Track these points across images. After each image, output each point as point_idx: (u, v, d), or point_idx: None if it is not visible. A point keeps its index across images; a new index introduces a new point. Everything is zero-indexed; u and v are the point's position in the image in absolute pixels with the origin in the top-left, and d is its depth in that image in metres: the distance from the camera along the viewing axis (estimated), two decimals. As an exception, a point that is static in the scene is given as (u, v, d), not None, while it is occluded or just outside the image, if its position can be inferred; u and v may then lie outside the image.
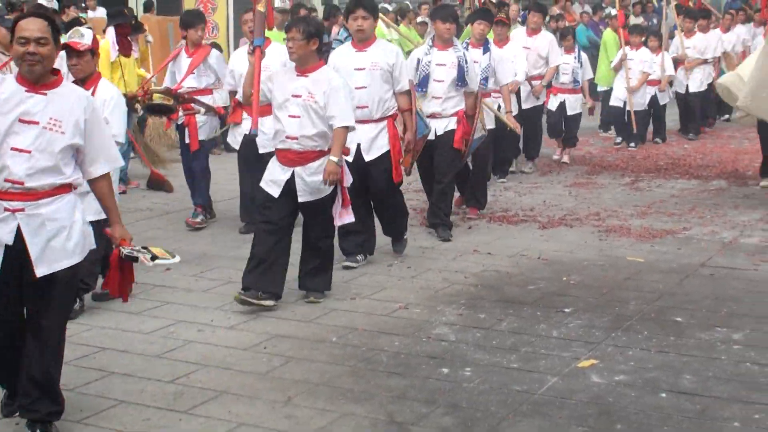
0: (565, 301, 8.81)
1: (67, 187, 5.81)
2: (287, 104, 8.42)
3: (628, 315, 8.43)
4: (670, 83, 18.65)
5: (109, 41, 12.78)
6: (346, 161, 9.19)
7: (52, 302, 5.82)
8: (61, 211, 5.78)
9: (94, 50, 8.34)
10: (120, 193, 12.79)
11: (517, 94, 14.17)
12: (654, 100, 17.94)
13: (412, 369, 7.21)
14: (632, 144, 17.66)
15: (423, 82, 10.83)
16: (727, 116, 21.12)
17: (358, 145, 9.58)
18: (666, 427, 6.25)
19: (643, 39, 18.11)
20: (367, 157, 9.67)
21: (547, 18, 23.55)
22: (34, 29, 5.63)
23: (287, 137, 8.41)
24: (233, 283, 8.83)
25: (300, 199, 8.46)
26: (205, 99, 11.49)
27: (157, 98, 11.29)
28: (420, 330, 8.06)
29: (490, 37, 12.96)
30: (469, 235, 11.19)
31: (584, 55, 16.61)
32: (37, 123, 5.62)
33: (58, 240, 5.76)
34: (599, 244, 10.83)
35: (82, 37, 8.13)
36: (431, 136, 10.73)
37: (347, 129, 8.53)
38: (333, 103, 8.36)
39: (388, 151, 9.70)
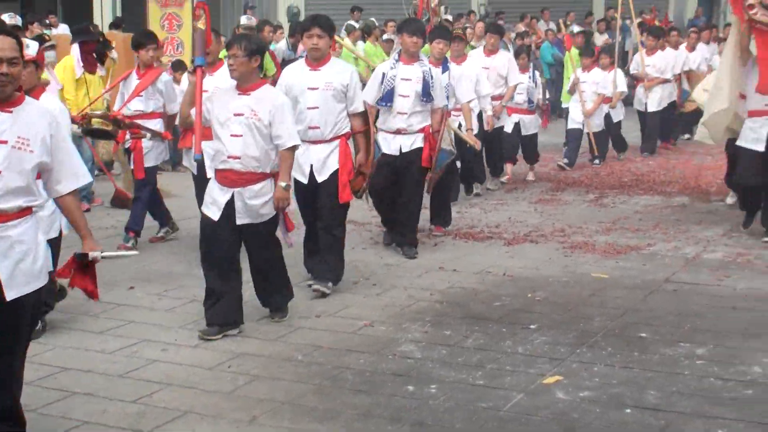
0: (530, 317, 8.81)
1: (30, 209, 5.72)
2: (229, 123, 8.12)
3: (593, 331, 8.43)
4: (624, 100, 18.60)
5: (74, 58, 12.69)
6: (302, 184, 9.34)
7: (18, 326, 5.71)
8: (27, 233, 5.66)
9: (38, 62, 8.24)
10: (84, 211, 12.78)
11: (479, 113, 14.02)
12: (608, 117, 17.93)
13: (377, 387, 7.18)
14: (596, 161, 17.67)
15: (388, 97, 10.63)
16: (687, 135, 21.16)
17: (311, 167, 9.40)
18: (630, 443, 6.27)
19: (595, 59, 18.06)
20: (320, 178, 9.41)
21: (513, 35, 23.75)
22: (5, 48, 5.41)
23: (229, 157, 8.11)
24: (197, 302, 8.75)
25: (238, 222, 8.18)
26: (153, 123, 11.19)
27: (96, 123, 10.75)
28: (385, 347, 8.03)
29: (448, 55, 12.84)
30: (435, 252, 11.18)
31: (538, 74, 16.84)
32: (5, 142, 5.47)
33: (26, 263, 5.64)
34: (564, 260, 10.84)
35: (27, 48, 7.98)
36: (395, 153, 10.66)
37: (294, 149, 8.40)
38: (279, 122, 8.16)
39: (338, 170, 9.41)
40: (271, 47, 18.07)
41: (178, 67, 13.88)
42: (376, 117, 10.73)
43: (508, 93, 14.94)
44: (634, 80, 19.33)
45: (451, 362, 7.69)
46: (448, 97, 11.87)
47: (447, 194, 12.40)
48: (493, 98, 14.46)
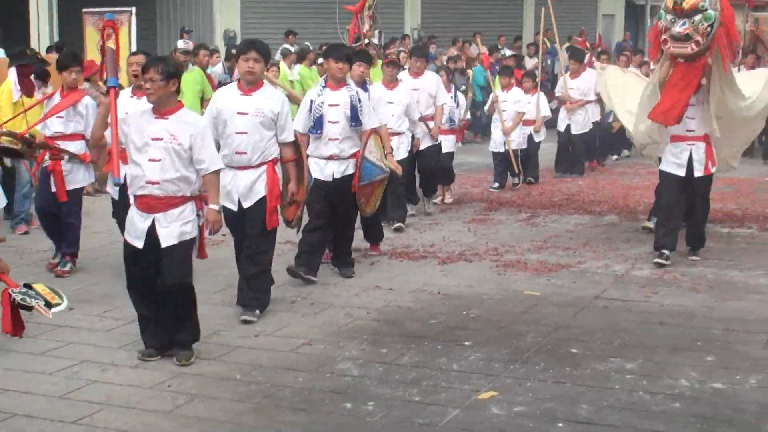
0: (464, 334, 8.85)
1: None
2: (147, 148, 7.81)
3: (526, 347, 8.49)
4: (546, 123, 18.52)
5: (11, 82, 12.55)
6: (231, 211, 9.18)
7: None
8: None
9: None
10: (22, 234, 12.67)
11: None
12: (530, 139, 17.79)
13: (315, 404, 7.19)
14: (496, 184, 17.27)
15: (318, 125, 10.41)
16: (616, 156, 21.31)
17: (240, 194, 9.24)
18: (563, 456, 6.33)
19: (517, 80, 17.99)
20: (246, 204, 9.21)
21: (446, 58, 23.87)
22: None
23: (147, 182, 7.81)
24: (136, 323, 8.69)
25: (163, 245, 7.87)
26: (73, 145, 10.87)
27: (5, 141, 10.07)
28: (323, 365, 8.04)
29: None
30: (371, 272, 11.20)
31: (461, 95, 16.70)
32: None
33: None
34: (497, 278, 10.90)
35: None
36: (329, 179, 10.51)
37: (219, 173, 8.19)
38: (201, 147, 7.94)
39: (265, 197, 9.22)
40: (208, 71, 18.06)
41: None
42: None
43: (438, 113, 14.61)
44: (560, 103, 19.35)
45: (388, 379, 7.71)
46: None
47: (375, 215, 11.95)
48: (426, 118, 14.29)
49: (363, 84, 11.66)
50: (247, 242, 9.37)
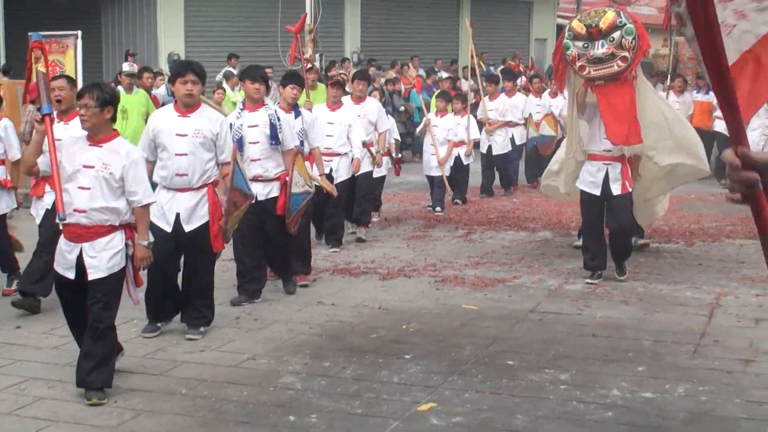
0: (404, 348, 8.87)
1: None
2: (78, 175, 7.43)
3: (464, 360, 8.52)
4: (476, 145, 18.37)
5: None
6: (164, 231, 8.86)
7: None
8: None
9: None
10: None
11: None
12: (458, 160, 17.26)
13: (259, 418, 7.16)
14: (437, 208, 16.73)
15: (239, 146, 10.01)
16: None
17: (177, 215, 8.94)
18: (500, 465, 6.35)
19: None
20: (188, 228, 8.93)
21: (383, 80, 23.90)
22: None
23: (75, 210, 7.41)
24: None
25: (90, 277, 7.43)
26: None
27: None
28: (267, 380, 8.01)
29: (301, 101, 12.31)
30: (314, 288, 11.18)
31: (392, 119, 16.46)
32: None
33: None
34: (436, 293, 10.93)
35: None
36: (255, 200, 10.05)
37: (149, 207, 7.83)
38: (134, 179, 7.57)
39: (208, 221, 8.99)
40: (153, 92, 17.98)
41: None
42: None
43: (381, 139, 14.35)
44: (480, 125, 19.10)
45: (330, 392, 7.70)
46: (303, 142, 11.40)
47: (303, 241, 11.43)
48: (366, 144, 13.94)
49: (295, 107, 11.44)
50: (189, 264, 9.19)
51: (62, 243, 7.62)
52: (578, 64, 10.76)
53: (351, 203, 13.98)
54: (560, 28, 40.48)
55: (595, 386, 7.85)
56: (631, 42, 10.56)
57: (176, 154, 8.92)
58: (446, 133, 16.69)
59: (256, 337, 9.24)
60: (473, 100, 18.92)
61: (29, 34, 8.43)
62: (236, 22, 27.17)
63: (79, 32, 16.89)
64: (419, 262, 12.58)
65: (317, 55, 21.95)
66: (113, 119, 7.65)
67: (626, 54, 10.58)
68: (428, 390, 7.74)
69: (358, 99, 14.27)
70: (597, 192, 11.27)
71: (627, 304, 10.47)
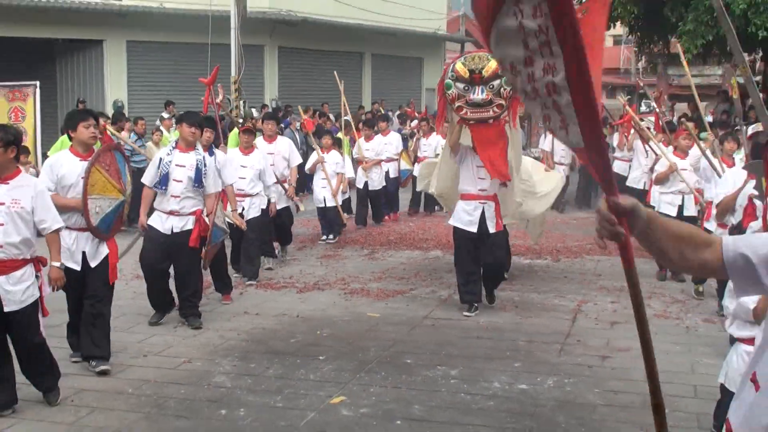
0: (319, 350, 8.87)
1: None
2: None
3: (369, 359, 8.55)
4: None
5: None
6: (74, 271, 7.94)
7: None
8: None
9: None
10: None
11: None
12: (326, 200, 15.62)
13: (195, 412, 7.12)
14: (330, 236, 15.85)
15: (163, 181, 9.52)
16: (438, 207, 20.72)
17: (84, 253, 8.06)
18: (401, 448, 6.39)
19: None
20: (93, 263, 8.09)
21: (298, 124, 23.77)
22: None
23: None
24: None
25: (6, 309, 6.87)
26: None
27: None
28: (202, 379, 7.96)
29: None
30: (241, 300, 11.11)
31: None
32: None
33: None
34: (345, 303, 10.94)
35: None
36: (167, 232, 9.54)
37: (59, 231, 7.28)
38: (42, 207, 7.03)
39: (108, 255, 8.19)
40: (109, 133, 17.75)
41: (24, 150, 13.29)
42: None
43: (292, 174, 13.64)
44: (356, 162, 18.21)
45: (256, 389, 7.68)
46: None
47: (221, 266, 11.05)
48: (281, 180, 13.26)
49: (210, 148, 10.51)
50: (90, 295, 8.16)
51: None
52: (457, 104, 9.89)
53: (266, 240, 12.99)
54: (447, 79, 41.12)
55: (479, 380, 7.94)
56: (509, 92, 9.67)
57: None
58: (335, 167, 15.68)
59: (191, 343, 9.17)
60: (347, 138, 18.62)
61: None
62: (172, 73, 26.98)
63: (38, 83, 16.69)
64: (331, 277, 12.58)
65: (241, 102, 21.85)
66: (17, 158, 7.10)
67: (502, 102, 9.75)
68: (339, 386, 7.77)
69: (270, 138, 13.62)
70: (473, 229, 10.31)
71: (505, 310, 10.60)
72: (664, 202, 12.32)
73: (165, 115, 21.73)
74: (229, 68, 22.55)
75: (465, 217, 10.38)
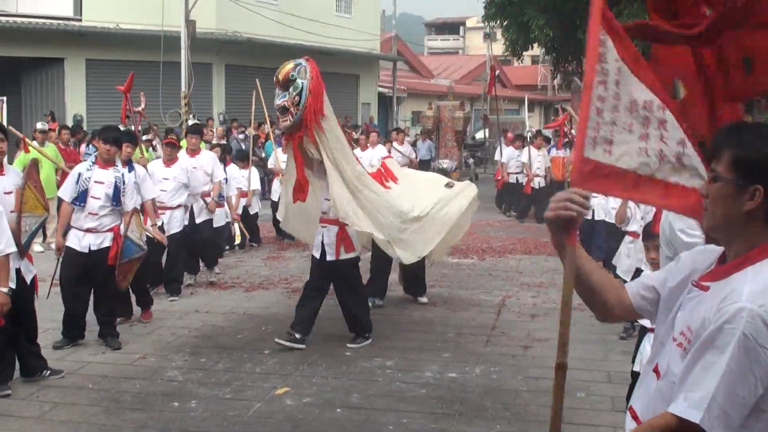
0: (264, 345, 8.79)
1: None
2: None
3: (312, 353, 8.50)
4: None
5: None
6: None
7: None
8: None
9: None
10: None
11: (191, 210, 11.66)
12: (246, 210, 14.98)
13: (150, 405, 7.00)
14: (235, 245, 14.79)
15: (81, 197, 8.62)
16: None
17: (18, 269, 7.26)
18: (341, 434, 6.37)
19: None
20: (28, 278, 7.43)
21: (243, 136, 23.58)
22: None
23: None
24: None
25: None
26: None
27: None
28: (155, 374, 7.84)
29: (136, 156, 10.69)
30: (191, 299, 10.98)
31: (255, 170, 15.36)
32: None
33: None
34: (288, 301, 10.83)
35: None
36: (85, 250, 8.62)
37: (9, 256, 6.70)
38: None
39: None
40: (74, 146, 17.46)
41: None
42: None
43: (215, 188, 12.04)
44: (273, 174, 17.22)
45: (206, 382, 7.58)
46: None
47: (141, 284, 9.84)
48: (203, 195, 11.84)
49: (129, 163, 9.63)
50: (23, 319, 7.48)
51: None
52: (277, 112, 8.49)
53: (193, 253, 11.99)
54: (381, 95, 41.21)
55: (413, 370, 7.93)
56: (295, 98, 8.18)
57: (11, 212, 7.25)
58: (235, 182, 14.04)
59: (146, 341, 9.02)
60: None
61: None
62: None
63: (4, 98, 16.36)
64: (275, 277, 12.49)
65: (191, 116, 21.65)
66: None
67: (292, 110, 8.21)
68: (284, 377, 7.70)
69: (193, 152, 11.97)
70: (317, 254, 8.96)
71: (435, 305, 10.61)
72: None
73: (121, 127, 21.39)
74: (180, 84, 22.41)
75: (317, 238, 9.02)
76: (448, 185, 10.37)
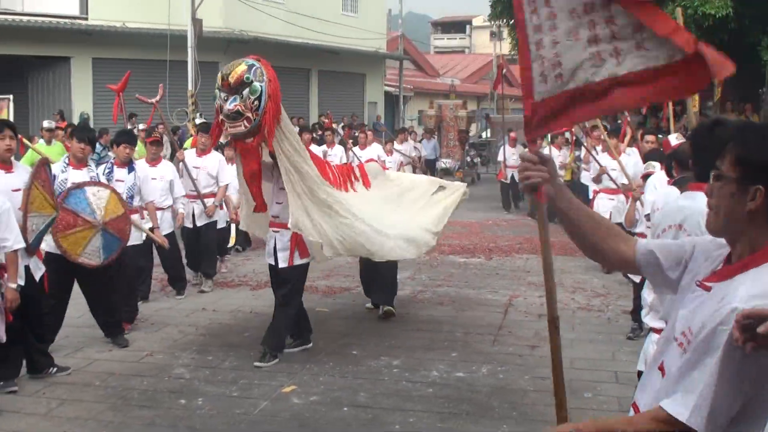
0: (272, 343, 8.78)
1: None
2: None
3: (319, 351, 8.51)
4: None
5: None
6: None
7: None
8: None
9: None
10: None
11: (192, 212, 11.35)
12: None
13: (158, 402, 7.02)
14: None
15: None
16: None
17: (27, 267, 7.25)
18: (349, 433, 6.37)
19: None
20: (37, 276, 7.43)
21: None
22: None
23: None
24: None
25: None
26: None
27: None
28: (163, 371, 7.86)
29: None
30: (199, 297, 10.99)
31: None
32: None
33: None
34: (295, 300, 10.85)
35: None
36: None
37: (19, 252, 6.79)
38: (6, 225, 6.62)
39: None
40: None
41: None
42: None
43: (220, 192, 11.64)
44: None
45: (213, 380, 7.60)
46: (133, 197, 9.50)
47: (131, 291, 9.58)
48: (206, 196, 11.43)
49: (129, 163, 9.53)
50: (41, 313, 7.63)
51: None
52: (221, 116, 7.77)
53: (197, 254, 11.63)
54: (387, 94, 41.23)
55: (420, 369, 7.93)
56: (254, 102, 7.52)
57: (18, 209, 7.16)
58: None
59: (153, 338, 9.03)
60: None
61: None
62: (133, 86, 26.65)
63: (11, 96, 16.42)
64: (282, 275, 12.49)
65: (198, 114, 21.67)
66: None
67: (249, 115, 7.53)
68: (290, 376, 7.71)
69: (202, 152, 11.61)
70: (271, 261, 8.41)
71: (442, 305, 10.60)
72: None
73: (129, 126, 21.43)
74: (186, 83, 22.44)
75: (266, 248, 8.54)
76: (440, 189, 9.79)
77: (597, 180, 12.71)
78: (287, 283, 8.31)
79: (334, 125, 22.23)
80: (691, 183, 4.59)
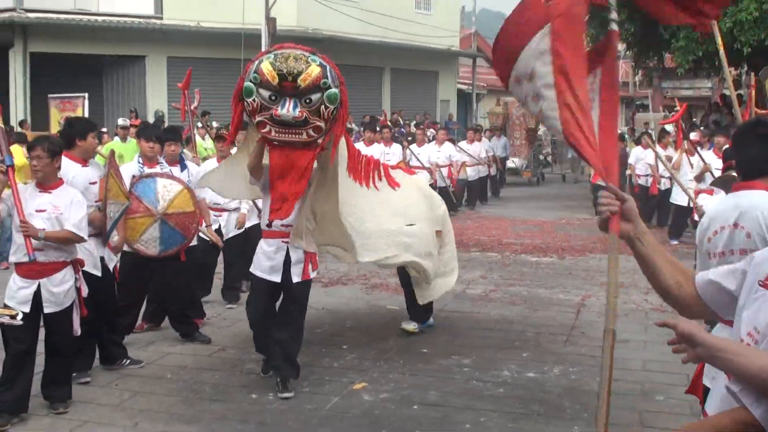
0: (342, 340, 8.85)
1: None
2: (31, 219, 6.41)
3: (389, 348, 8.52)
4: None
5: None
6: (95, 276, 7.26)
7: None
8: None
9: None
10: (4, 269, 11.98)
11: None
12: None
13: (229, 396, 7.11)
14: None
15: None
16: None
17: (101, 258, 7.46)
18: (418, 431, 6.36)
19: None
20: (111, 265, 7.67)
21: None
22: None
23: (34, 249, 6.41)
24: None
25: (46, 311, 6.56)
26: None
27: None
28: (234, 366, 7.96)
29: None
30: (270, 294, 11.09)
31: None
32: None
33: None
34: (366, 297, 10.92)
35: None
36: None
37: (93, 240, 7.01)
38: (74, 213, 6.58)
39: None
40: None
41: None
42: None
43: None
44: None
45: (285, 376, 7.66)
46: None
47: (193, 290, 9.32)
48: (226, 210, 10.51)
49: (181, 160, 9.22)
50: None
51: (16, 280, 6.60)
52: (258, 118, 6.71)
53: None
54: (460, 92, 41.04)
55: (491, 369, 7.89)
56: (332, 112, 6.66)
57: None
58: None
59: (225, 333, 9.15)
60: None
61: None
62: (208, 86, 27.03)
63: (86, 94, 16.79)
64: (353, 273, 12.53)
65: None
66: (59, 168, 6.80)
67: (321, 124, 6.66)
68: (361, 373, 7.74)
69: (221, 158, 10.17)
70: (276, 278, 7.29)
71: (514, 304, 10.54)
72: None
73: (199, 124, 21.70)
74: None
75: (265, 262, 7.35)
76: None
77: (699, 178, 12.47)
78: (300, 299, 7.50)
79: (388, 122, 22.03)
80: (736, 183, 4.43)
